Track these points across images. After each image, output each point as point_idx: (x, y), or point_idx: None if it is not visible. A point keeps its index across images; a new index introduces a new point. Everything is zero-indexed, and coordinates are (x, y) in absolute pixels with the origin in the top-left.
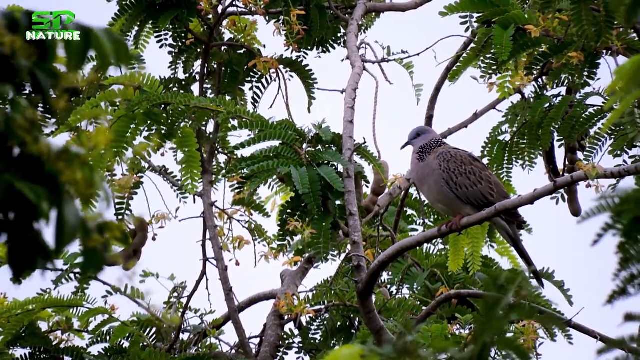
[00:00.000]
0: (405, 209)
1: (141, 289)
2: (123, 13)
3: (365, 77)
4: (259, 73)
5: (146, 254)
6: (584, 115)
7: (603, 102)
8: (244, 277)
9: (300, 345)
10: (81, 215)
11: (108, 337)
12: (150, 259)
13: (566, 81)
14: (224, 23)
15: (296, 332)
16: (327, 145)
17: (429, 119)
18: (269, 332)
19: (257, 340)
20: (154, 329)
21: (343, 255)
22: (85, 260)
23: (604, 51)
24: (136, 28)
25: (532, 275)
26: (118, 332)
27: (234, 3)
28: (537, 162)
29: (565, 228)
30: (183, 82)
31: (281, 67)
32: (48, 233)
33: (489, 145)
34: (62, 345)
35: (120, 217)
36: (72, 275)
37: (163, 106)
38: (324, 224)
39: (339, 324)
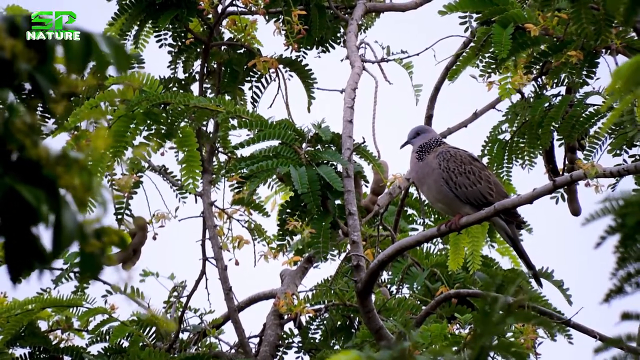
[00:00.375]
0: (405, 208)
1: (141, 289)
2: (123, 12)
3: (364, 76)
4: (259, 72)
5: (146, 253)
6: (583, 115)
7: (603, 102)
8: (244, 276)
9: (300, 344)
10: (79, 220)
11: (107, 337)
12: (150, 258)
13: (565, 80)
14: (224, 23)
15: (296, 331)
16: (326, 145)
17: (429, 118)
18: (268, 331)
19: (256, 340)
20: (153, 329)
21: (342, 255)
22: (82, 264)
23: (603, 50)
24: (136, 27)
25: (531, 275)
26: (117, 331)
27: (233, 2)
28: (537, 162)
29: (565, 228)
30: (183, 82)
31: (281, 66)
32: (45, 237)
33: (489, 145)
34: (61, 345)
35: (119, 217)
36: (71, 275)
37: (163, 106)
38: (323, 224)
39: (338, 323)
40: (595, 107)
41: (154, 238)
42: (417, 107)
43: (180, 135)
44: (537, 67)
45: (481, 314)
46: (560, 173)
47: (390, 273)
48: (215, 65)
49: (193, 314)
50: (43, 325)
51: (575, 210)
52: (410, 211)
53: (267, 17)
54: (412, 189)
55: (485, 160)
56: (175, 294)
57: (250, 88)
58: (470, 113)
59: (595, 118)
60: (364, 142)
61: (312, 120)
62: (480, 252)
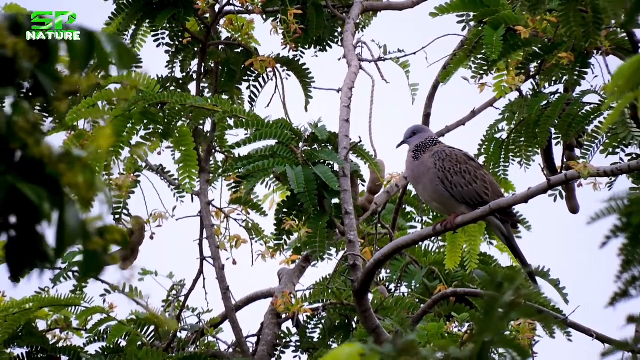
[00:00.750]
0: (404, 206)
1: (139, 288)
2: (120, 12)
3: (361, 76)
4: (256, 72)
5: (143, 252)
6: (580, 113)
7: (600, 100)
8: (241, 275)
9: (298, 343)
10: (82, 218)
11: (105, 336)
12: (148, 257)
13: (562, 79)
14: (221, 22)
15: (293, 330)
16: (323, 144)
17: (427, 117)
18: (266, 330)
19: (254, 339)
20: (151, 328)
21: (340, 254)
22: (85, 263)
23: (595, 51)
24: (133, 27)
25: (526, 274)
26: (115, 331)
27: (231, 2)
28: (535, 160)
29: (563, 225)
30: (180, 81)
31: (278, 66)
32: (48, 235)
33: (486, 143)
34: (59, 344)
35: (117, 217)
36: (70, 274)
37: (160, 105)
38: (320, 223)
39: (336, 322)
40: (593, 106)
41: (152, 237)
42: (414, 106)
43: (177, 135)
44: (532, 67)
45: (484, 310)
46: (559, 171)
47: (388, 271)
48: (212, 65)
49: (191, 314)
50: (41, 325)
51: (574, 208)
52: (408, 209)
53: (264, 16)
54: (410, 187)
55: (482, 158)
56: (173, 292)
57: (248, 87)
58: (468, 111)
59: (593, 116)
60: (361, 141)
61: (308, 120)
62: (477, 250)
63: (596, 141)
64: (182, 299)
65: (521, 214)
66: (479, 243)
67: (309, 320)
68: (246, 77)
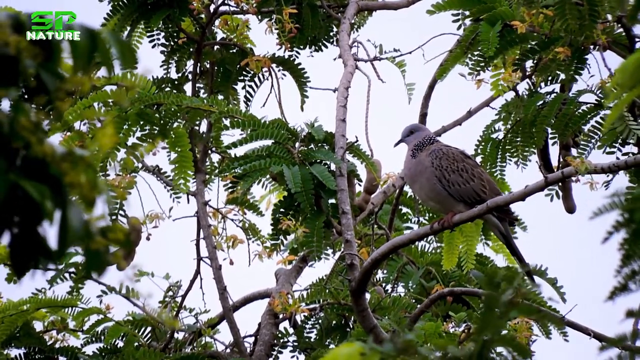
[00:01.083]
0: (400, 206)
1: (136, 289)
2: (115, 13)
3: (357, 75)
4: (252, 72)
5: (140, 253)
6: (577, 113)
7: (596, 99)
8: (238, 276)
9: (295, 344)
10: (84, 217)
11: (102, 337)
12: (144, 258)
13: (558, 78)
14: (216, 22)
15: (291, 330)
16: (319, 144)
17: (423, 116)
18: (263, 331)
19: (251, 339)
20: (148, 329)
21: (337, 254)
22: (88, 262)
23: (591, 46)
24: (128, 28)
25: (524, 273)
26: (112, 331)
27: (225, 2)
28: (531, 160)
29: (560, 225)
30: (175, 82)
31: (273, 65)
32: (50, 234)
33: (483, 143)
34: (56, 345)
35: (113, 217)
36: (66, 275)
37: (155, 106)
38: (316, 223)
39: (333, 322)
40: (589, 105)
41: (148, 238)
42: (410, 106)
43: (173, 136)
44: (528, 64)
45: (483, 309)
46: (555, 171)
47: (385, 272)
48: (208, 65)
49: (188, 314)
50: (38, 326)
51: (570, 208)
52: (404, 210)
53: (259, 16)
54: (406, 188)
55: (479, 158)
56: (170, 293)
57: (243, 87)
58: (464, 111)
59: (589, 116)
60: (357, 141)
61: (305, 120)
62: (474, 250)
63: (592, 140)
64: (179, 299)
65: (518, 214)
66: (476, 243)
67: (306, 321)
68: (242, 77)
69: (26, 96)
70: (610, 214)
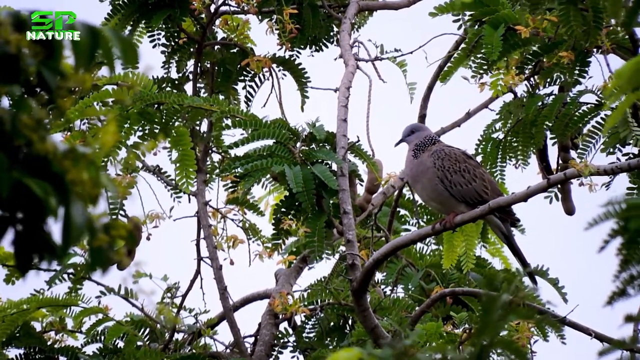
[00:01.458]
0: (398, 209)
1: (135, 289)
2: (116, 13)
3: (358, 75)
4: (252, 72)
5: (140, 253)
6: (577, 114)
7: (596, 100)
8: (239, 276)
9: (295, 344)
10: (88, 215)
11: (102, 337)
12: (145, 258)
13: (558, 80)
14: (217, 22)
15: (291, 331)
16: (320, 144)
17: (422, 118)
18: (263, 331)
19: (252, 340)
20: (148, 329)
21: (337, 254)
22: (91, 259)
23: (595, 50)
24: (129, 28)
25: (526, 274)
26: (112, 331)
27: (226, 2)
28: (530, 161)
29: (559, 227)
30: (176, 82)
31: (274, 65)
32: (54, 231)
33: (483, 144)
34: (56, 345)
35: (114, 217)
36: (65, 276)
37: (156, 106)
38: (318, 223)
39: (333, 323)
40: (589, 106)
41: (148, 238)
42: (412, 106)
43: (174, 135)
44: (530, 67)
45: (482, 311)
46: (554, 172)
47: (384, 274)
48: (208, 65)
49: (188, 314)
50: (38, 326)
51: (569, 210)
52: (403, 212)
53: (259, 16)
54: (405, 189)
55: (479, 159)
56: (169, 294)
57: (244, 87)
58: (463, 112)
59: (589, 117)
60: (359, 140)
61: (306, 120)
62: (474, 251)
63: (593, 142)
64: (178, 300)
65: (517, 217)
66: (475, 244)
67: (306, 321)
68: (242, 77)
69: (29, 94)
70: (606, 222)
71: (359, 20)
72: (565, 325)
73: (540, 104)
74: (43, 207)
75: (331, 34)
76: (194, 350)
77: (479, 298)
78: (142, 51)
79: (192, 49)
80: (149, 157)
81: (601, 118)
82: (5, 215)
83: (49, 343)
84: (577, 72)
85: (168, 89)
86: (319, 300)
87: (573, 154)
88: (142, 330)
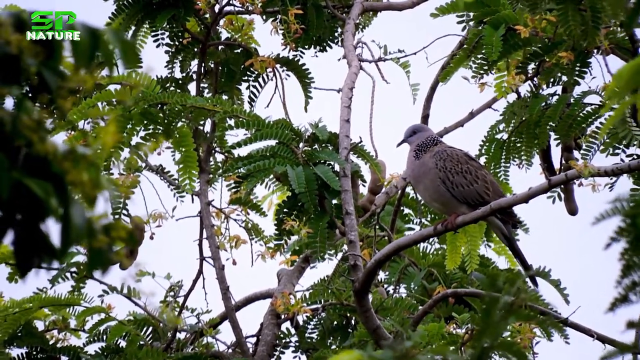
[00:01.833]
0: (402, 207)
1: (138, 288)
2: (120, 12)
3: (362, 76)
4: (256, 72)
5: (143, 253)
6: (580, 114)
7: (600, 101)
8: (241, 276)
9: (297, 344)
10: (87, 215)
11: (105, 336)
12: (147, 258)
13: (560, 80)
14: (221, 22)
15: (293, 331)
16: (323, 145)
17: (425, 118)
18: (265, 331)
19: (254, 340)
20: (150, 328)
21: (340, 255)
22: (91, 260)
23: (595, 50)
24: (133, 27)
25: (527, 275)
26: (115, 331)
27: (231, 2)
28: (534, 161)
29: (562, 227)
30: (180, 82)
31: (278, 66)
32: (53, 232)
33: (486, 144)
34: (58, 345)
35: (117, 217)
36: (68, 275)
37: (160, 106)
38: (320, 223)
39: (335, 323)
40: (592, 107)
41: (151, 238)
42: (415, 106)
43: (177, 135)
44: (531, 67)
45: (483, 313)
46: (557, 172)
47: (387, 273)
48: (212, 65)
49: (190, 314)
50: (40, 325)
51: (572, 210)
52: (406, 211)
53: (264, 16)
54: (408, 189)
55: (482, 159)
56: (172, 293)
57: (248, 88)
58: (466, 112)
59: (592, 117)
60: (361, 141)
61: (309, 120)
62: (477, 251)
63: (596, 142)
64: (180, 299)
65: (519, 217)
66: (479, 244)
67: (308, 321)
68: (246, 78)
69: (30, 95)
70: (612, 219)
71: (363, 21)
72: (567, 327)
73: (543, 104)
74: (43, 207)
75: (335, 34)
76: (196, 350)
77: (481, 298)
78: (146, 51)
79: (196, 49)
80: (152, 156)
81: (604, 119)
82: (5, 215)
83: (51, 342)
84: (576, 72)
85: (172, 89)
86: (321, 300)
87: (577, 154)
88: (144, 329)
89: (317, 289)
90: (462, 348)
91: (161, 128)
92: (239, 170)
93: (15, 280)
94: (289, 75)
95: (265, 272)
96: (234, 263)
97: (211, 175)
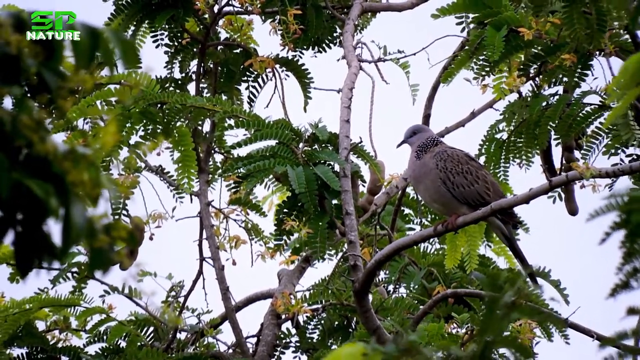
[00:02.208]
0: (402, 207)
1: (138, 289)
2: (119, 13)
3: (361, 76)
4: (255, 72)
5: (143, 253)
6: (581, 114)
7: (600, 101)
8: (241, 276)
9: (298, 344)
10: (88, 215)
11: (105, 337)
12: (147, 258)
13: (561, 81)
14: (220, 22)
15: (293, 331)
16: (323, 145)
17: (427, 118)
18: (266, 331)
19: (254, 340)
20: (151, 328)
21: (340, 255)
22: (92, 260)
23: (597, 52)
24: (132, 28)
25: (528, 275)
26: (115, 331)
27: (230, 2)
28: (534, 161)
29: (562, 227)
30: (179, 82)
31: (277, 66)
32: (54, 232)
33: (486, 144)
34: (59, 345)
35: (116, 217)
36: (69, 275)
37: (159, 105)
38: (320, 224)
39: (336, 323)
40: (593, 107)
41: (151, 238)
42: (414, 107)
43: (176, 135)
44: (533, 68)
45: (485, 310)
46: (558, 172)
47: (387, 272)
48: (211, 65)
49: (190, 314)
50: (41, 325)
51: (573, 210)
52: (407, 211)
53: (263, 16)
54: (409, 189)
55: (482, 159)
56: (173, 293)
57: (247, 88)
58: (468, 112)
59: (593, 117)
60: (361, 141)
61: (309, 120)
62: (477, 251)
63: (597, 142)
64: (181, 299)
65: (520, 217)
66: (479, 244)
67: (308, 321)
68: (245, 78)
69: (29, 94)
70: (609, 215)
71: (362, 22)
72: (567, 327)
73: (544, 104)
74: (44, 207)
75: (334, 35)
76: (196, 350)
77: (481, 299)
78: (145, 51)
79: (195, 49)
80: (151, 157)
81: (604, 119)
82: (5, 216)
83: (51, 342)
84: (577, 74)
85: (171, 89)
86: (322, 301)
87: (577, 154)
88: (144, 330)
89: (317, 289)
90: (462, 348)
91: (160, 127)
92: (238, 171)
93: (16, 280)
94: (288, 76)
95: (265, 273)
96: (234, 263)
97: (211, 176)
